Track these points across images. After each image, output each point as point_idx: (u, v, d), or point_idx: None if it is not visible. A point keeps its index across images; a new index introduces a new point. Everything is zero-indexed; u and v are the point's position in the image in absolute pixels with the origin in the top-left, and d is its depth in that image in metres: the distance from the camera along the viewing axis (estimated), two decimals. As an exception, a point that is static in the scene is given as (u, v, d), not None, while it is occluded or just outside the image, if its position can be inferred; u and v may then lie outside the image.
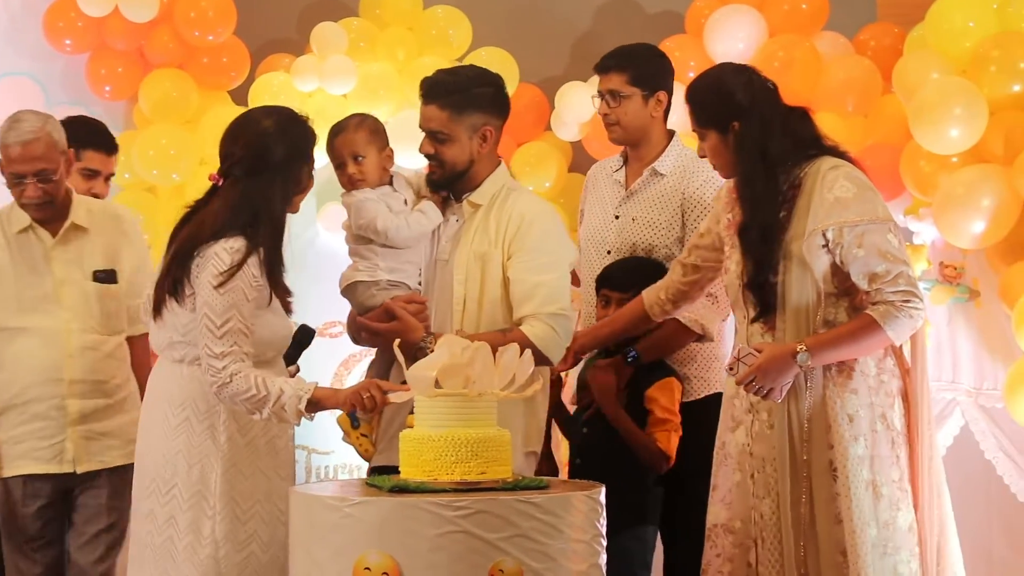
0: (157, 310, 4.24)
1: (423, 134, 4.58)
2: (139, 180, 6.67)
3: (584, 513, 3.68)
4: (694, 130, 4.40)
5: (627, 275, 4.93)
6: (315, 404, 4.08)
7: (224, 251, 4.11)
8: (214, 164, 6.58)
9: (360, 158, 4.56)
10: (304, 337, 4.69)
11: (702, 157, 4.46)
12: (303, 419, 4.13)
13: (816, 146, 4.32)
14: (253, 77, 6.81)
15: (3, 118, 4.81)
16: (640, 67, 5.05)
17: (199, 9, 6.71)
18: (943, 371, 5.76)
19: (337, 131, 4.60)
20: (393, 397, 4.04)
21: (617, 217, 5.10)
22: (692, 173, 4.95)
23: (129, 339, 4.99)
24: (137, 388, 4.94)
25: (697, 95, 4.40)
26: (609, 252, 5.09)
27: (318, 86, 6.62)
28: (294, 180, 4.27)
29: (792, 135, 4.30)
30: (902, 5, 6.57)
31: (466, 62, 6.61)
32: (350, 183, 4.57)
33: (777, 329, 4.25)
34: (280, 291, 4.26)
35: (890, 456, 4.19)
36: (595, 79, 6.52)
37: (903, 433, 4.24)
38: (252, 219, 4.17)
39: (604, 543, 3.79)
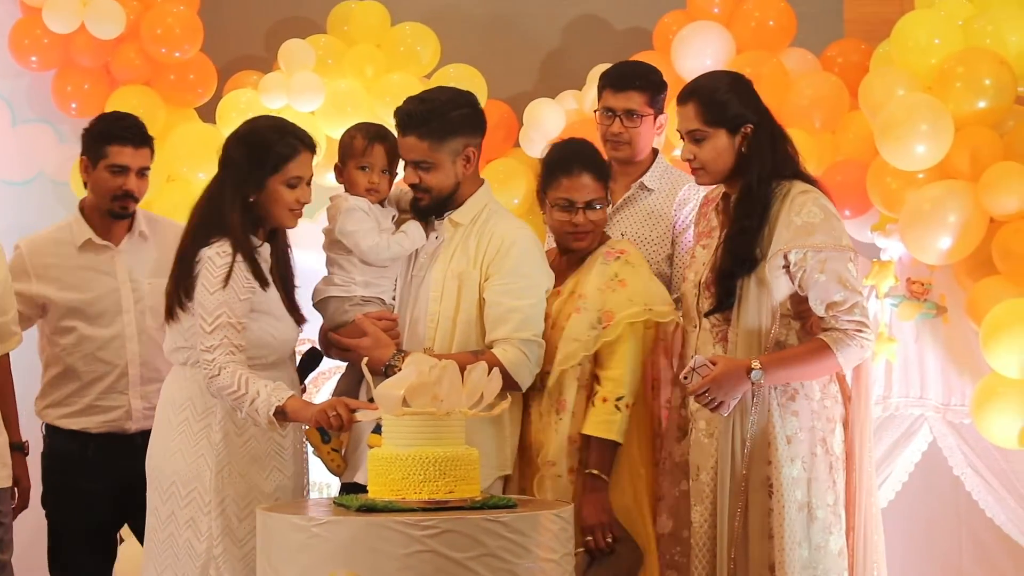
0: (170, 314, 4.39)
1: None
2: (105, 197, 6.63)
3: (553, 532, 3.69)
4: (693, 129, 4.38)
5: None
6: (284, 414, 4.14)
7: (216, 255, 4.26)
8: (181, 181, 6.64)
9: (386, 172, 4.58)
10: (311, 360, 4.69)
11: (688, 159, 4.42)
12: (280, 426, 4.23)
13: (793, 168, 4.39)
14: (220, 94, 6.78)
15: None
16: (657, 90, 5.09)
17: (166, 26, 6.66)
18: (911, 387, 5.76)
19: (379, 138, 4.61)
20: (360, 415, 4.05)
21: None
22: (685, 199, 4.96)
23: None
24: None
25: (715, 93, 4.41)
26: None
27: (286, 103, 6.59)
28: (250, 183, 4.34)
29: (789, 149, 4.41)
30: (869, 22, 6.58)
31: (434, 79, 6.61)
32: (368, 190, 4.57)
33: (729, 341, 4.32)
34: (285, 297, 4.42)
35: (827, 480, 4.28)
36: (564, 95, 6.57)
37: (842, 459, 4.34)
38: (218, 220, 4.32)
39: (573, 562, 3.79)
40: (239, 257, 4.27)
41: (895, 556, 5.12)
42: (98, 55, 6.70)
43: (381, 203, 4.64)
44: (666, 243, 5.06)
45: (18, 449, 4.88)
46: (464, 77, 6.58)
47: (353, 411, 4.08)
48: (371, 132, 4.64)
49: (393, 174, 4.66)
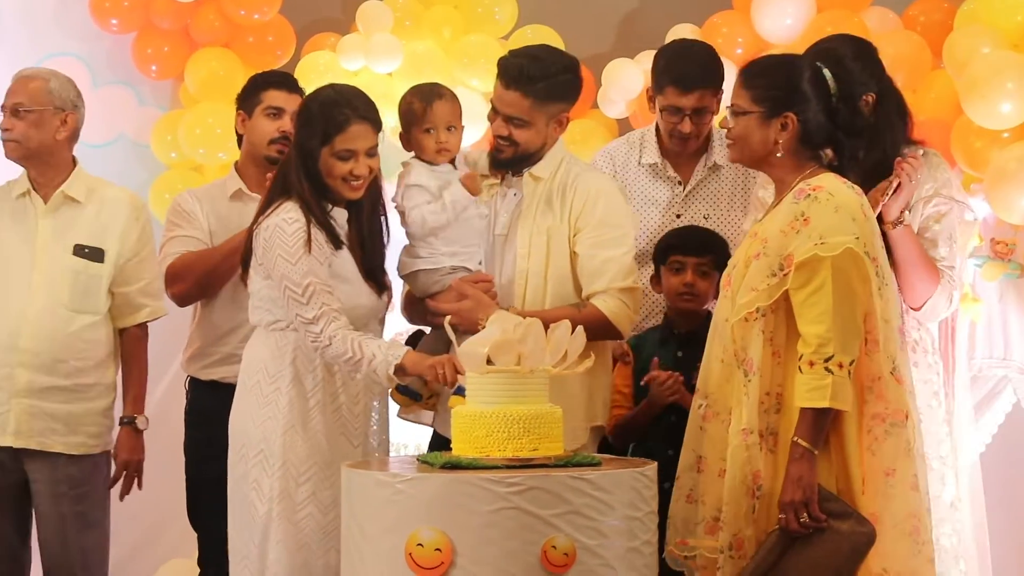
0: (243, 279, 4.46)
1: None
2: (186, 159, 6.69)
3: (637, 490, 3.68)
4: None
5: (697, 239, 4.80)
6: (403, 370, 4.20)
7: (285, 222, 4.27)
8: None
9: (452, 128, 4.56)
10: (414, 345, 4.63)
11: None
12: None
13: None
14: (299, 56, 6.79)
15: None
16: (722, 79, 5.01)
17: (245, -12, 6.71)
18: (994, 348, 5.71)
19: (435, 96, 4.58)
20: (461, 380, 4.05)
21: (679, 216, 5.06)
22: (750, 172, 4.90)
23: (121, 330, 4.94)
24: (112, 379, 4.89)
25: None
26: None
27: (364, 64, 6.60)
28: (308, 152, 4.33)
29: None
30: (950, -20, 6.52)
31: (512, 40, 6.59)
32: (436, 151, 4.54)
33: None
34: (363, 263, 4.40)
35: (940, 432, 4.30)
36: (643, 55, 6.54)
37: (949, 414, 4.36)
38: (286, 184, 4.36)
39: (656, 520, 3.79)
40: (313, 220, 4.28)
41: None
42: (178, 17, 6.74)
43: (452, 162, 4.61)
44: (741, 219, 4.97)
45: (129, 424, 4.96)
46: (542, 38, 6.55)
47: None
48: (426, 93, 4.62)
49: (459, 128, 4.62)
